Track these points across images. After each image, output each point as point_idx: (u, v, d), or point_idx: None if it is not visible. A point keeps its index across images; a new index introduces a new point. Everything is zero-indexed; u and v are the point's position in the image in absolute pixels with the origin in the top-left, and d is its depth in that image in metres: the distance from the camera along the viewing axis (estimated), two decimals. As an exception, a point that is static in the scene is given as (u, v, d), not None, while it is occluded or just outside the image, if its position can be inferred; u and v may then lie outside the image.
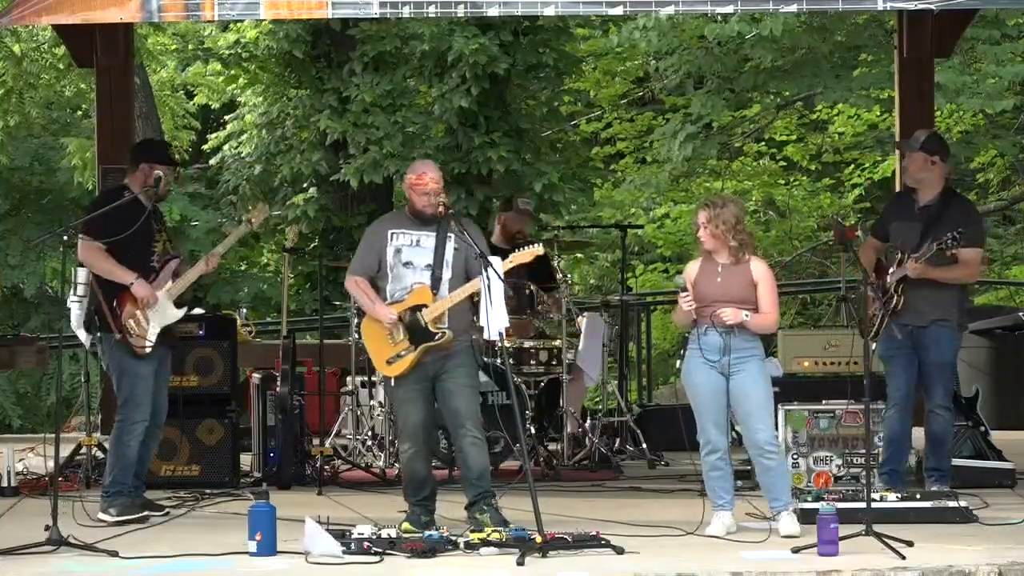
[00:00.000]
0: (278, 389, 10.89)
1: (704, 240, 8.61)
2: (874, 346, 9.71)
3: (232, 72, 18.23)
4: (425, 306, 8.60)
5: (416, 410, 8.61)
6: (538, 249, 8.90)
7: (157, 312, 9.14)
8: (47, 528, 7.96)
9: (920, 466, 9.97)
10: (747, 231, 8.66)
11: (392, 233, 8.74)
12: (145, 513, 9.09)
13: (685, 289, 8.63)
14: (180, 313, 9.24)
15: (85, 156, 17.58)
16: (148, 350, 9.11)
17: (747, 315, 8.46)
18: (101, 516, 9.00)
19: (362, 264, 8.82)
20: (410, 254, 8.69)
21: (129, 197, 9.17)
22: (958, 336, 9.70)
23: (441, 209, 8.59)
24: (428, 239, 8.69)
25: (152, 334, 9.12)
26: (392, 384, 8.73)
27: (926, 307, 9.43)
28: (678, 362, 8.81)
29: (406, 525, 8.41)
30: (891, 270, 9.60)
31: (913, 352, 9.52)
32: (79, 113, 20.80)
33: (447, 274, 8.65)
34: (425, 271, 8.66)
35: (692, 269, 8.73)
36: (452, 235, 8.67)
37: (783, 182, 21.21)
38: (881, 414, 9.62)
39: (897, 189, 10.79)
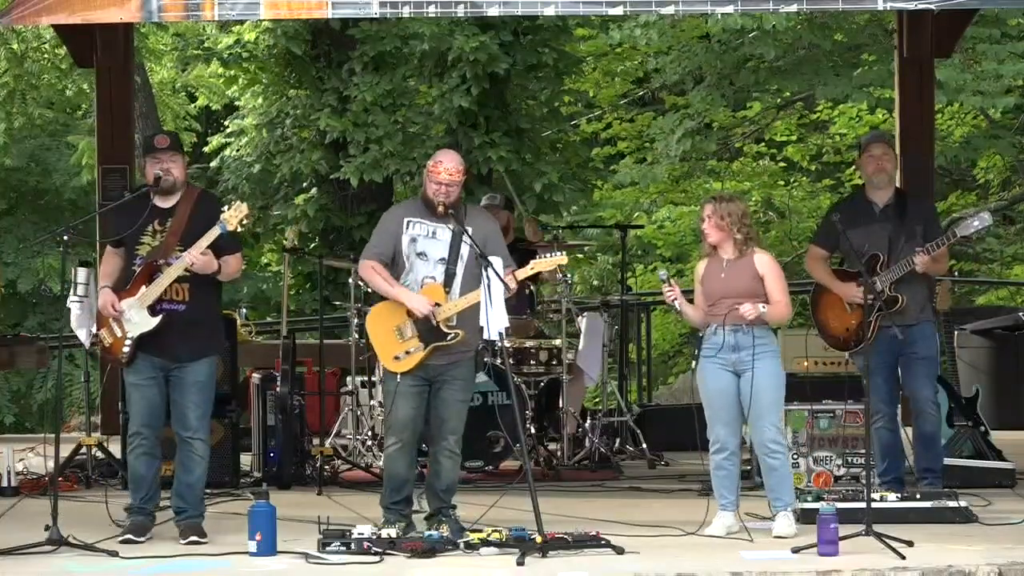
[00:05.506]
0: (278, 389, 10.88)
1: (708, 233, 8.58)
2: (848, 355, 9.73)
3: (232, 72, 18.21)
4: (437, 304, 8.36)
5: (407, 405, 8.39)
6: (561, 258, 8.67)
7: (129, 320, 8.47)
8: (47, 528, 7.95)
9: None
10: (751, 225, 8.66)
11: (408, 221, 8.45)
12: (122, 535, 8.37)
13: (665, 281, 8.61)
14: (154, 321, 8.41)
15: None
16: (123, 360, 8.55)
17: (764, 307, 8.46)
18: None
19: (378, 248, 8.48)
20: (425, 245, 8.42)
21: (129, 196, 8.85)
22: (938, 331, 9.73)
23: (441, 209, 8.37)
24: (444, 232, 8.41)
25: (128, 343, 8.49)
26: (390, 377, 8.46)
27: (912, 305, 9.42)
28: (693, 362, 8.75)
29: None
30: (874, 275, 9.39)
31: (894, 358, 9.46)
32: (79, 113, 20.82)
33: (460, 270, 8.41)
34: (439, 264, 8.40)
35: (699, 269, 8.75)
36: (469, 229, 8.39)
37: (783, 183, 21.19)
38: (872, 426, 9.54)
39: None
